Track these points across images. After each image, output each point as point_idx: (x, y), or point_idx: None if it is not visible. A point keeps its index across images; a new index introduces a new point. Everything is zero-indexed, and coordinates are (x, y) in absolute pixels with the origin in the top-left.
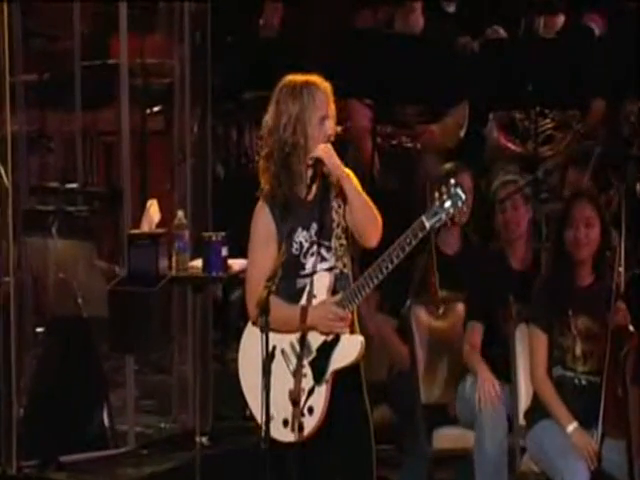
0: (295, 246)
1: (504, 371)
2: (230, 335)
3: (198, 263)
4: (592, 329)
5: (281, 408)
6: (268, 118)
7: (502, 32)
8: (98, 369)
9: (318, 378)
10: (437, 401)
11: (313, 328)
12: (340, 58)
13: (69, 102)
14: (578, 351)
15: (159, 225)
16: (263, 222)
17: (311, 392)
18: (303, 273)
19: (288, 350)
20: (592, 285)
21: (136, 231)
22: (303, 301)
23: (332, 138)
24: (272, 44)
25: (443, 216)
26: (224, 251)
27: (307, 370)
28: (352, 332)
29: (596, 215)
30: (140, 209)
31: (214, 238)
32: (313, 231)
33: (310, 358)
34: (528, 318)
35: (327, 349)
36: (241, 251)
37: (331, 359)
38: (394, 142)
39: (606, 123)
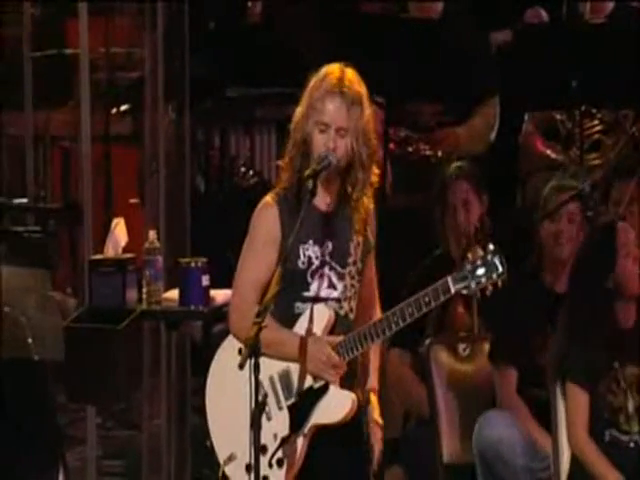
0: (302, 259)
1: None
2: None
3: (174, 294)
4: None
5: (247, 449)
6: None
7: (544, 14)
8: (53, 423)
9: (295, 428)
10: (462, 461)
11: (301, 363)
12: (345, 48)
13: (17, 100)
14: (631, 408)
15: (126, 249)
16: (267, 222)
17: (284, 441)
18: (305, 295)
19: (266, 384)
20: (637, 326)
21: (99, 256)
22: (302, 331)
23: (336, 157)
24: (262, 31)
25: (473, 285)
26: (205, 280)
27: (285, 414)
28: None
29: None
30: (104, 230)
31: (193, 265)
32: (327, 250)
33: (290, 402)
34: (564, 374)
35: (311, 397)
36: (225, 280)
37: (314, 410)
38: (410, 149)
39: None
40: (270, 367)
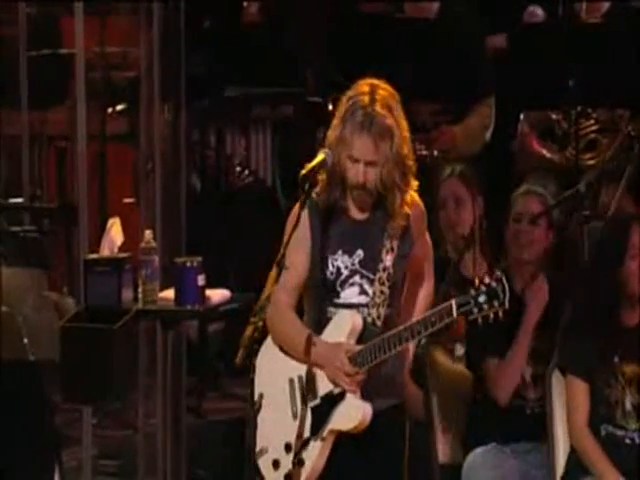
0: (331, 269)
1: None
2: (207, 382)
3: (169, 294)
4: None
5: (276, 444)
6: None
7: (540, 12)
8: (48, 423)
9: (314, 431)
10: (458, 460)
11: (320, 367)
12: (341, 47)
13: (13, 100)
14: (628, 405)
15: (122, 248)
16: (298, 228)
17: (306, 443)
18: (337, 302)
19: (296, 382)
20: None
21: (94, 256)
22: (333, 338)
23: (368, 185)
24: (258, 30)
25: (475, 310)
26: (200, 280)
27: (309, 415)
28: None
29: None
30: (99, 229)
31: (189, 264)
32: (357, 259)
33: (313, 404)
34: (564, 366)
35: (330, 402)
36: (221, 279)
37: (332, 415)
38: None
39: None
40: (299, 366)
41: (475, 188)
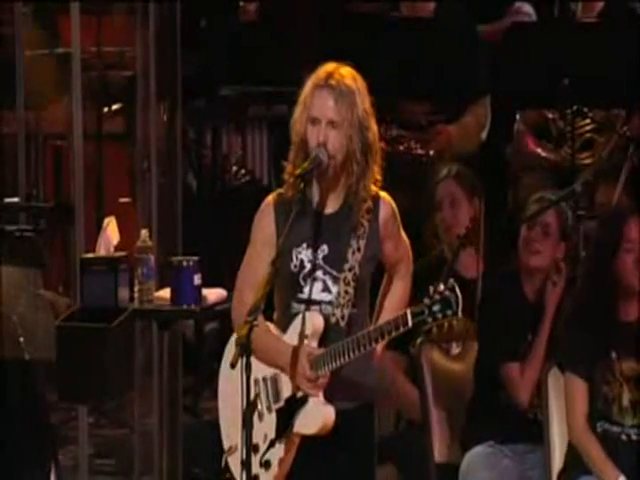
0: (295, 262)
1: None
2: (203, 381)
3: (166, 293)
4: None
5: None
6: None
7: (527, 9)
8: (44, 422)
9: (279, 433)
10: (454, 460)
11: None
12: (336, 46)
13: (9, 99)
14: (625, 401)
15: (118, 248)
16: (263, 223)
17: (272, 444)
18: (301, 297)
19: (261, 383)
20: (639, 321)
21: (90, 255)
22: (294, 339)
23: (329, 152)
24: (254, 29)
25: (429, 320)
26: (197, 279)
27: (273, 417)
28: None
29: None
30: (95, 228)
31: (185, 263)
32: (321, 254)
33: (277, 406)
34: (563, 363)
35: (294, 405)
36: (217, 279)
37: (295, 419)
38: (401, 148)
39: None
40: (264, 368)
41: (471, 188)
